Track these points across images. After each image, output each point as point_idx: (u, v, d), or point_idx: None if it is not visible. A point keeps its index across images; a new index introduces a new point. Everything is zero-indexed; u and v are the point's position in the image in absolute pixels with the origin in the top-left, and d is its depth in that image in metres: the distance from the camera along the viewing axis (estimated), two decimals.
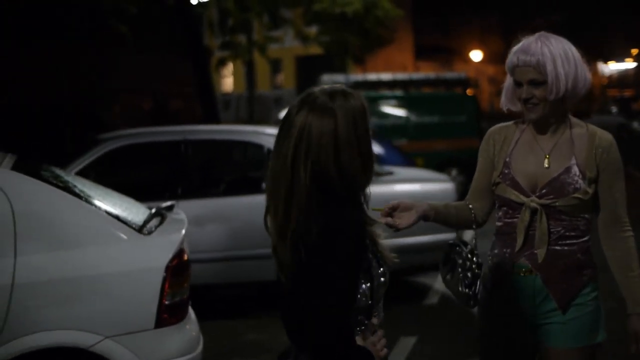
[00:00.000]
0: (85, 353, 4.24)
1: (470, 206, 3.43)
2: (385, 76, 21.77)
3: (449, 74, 19.61)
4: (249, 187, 7.83)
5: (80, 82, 19.24)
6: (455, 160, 16.12)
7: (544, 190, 3.27)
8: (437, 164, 14.16)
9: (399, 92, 18.20)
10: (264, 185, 7.40)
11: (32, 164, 4.82)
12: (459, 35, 52.33)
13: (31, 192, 4.38)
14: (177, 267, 4.44)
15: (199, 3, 22.43)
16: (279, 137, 2.49)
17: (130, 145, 7.77)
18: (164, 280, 4.36)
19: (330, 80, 16.21)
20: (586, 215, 3.31)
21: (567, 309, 3.28)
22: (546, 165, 3.30)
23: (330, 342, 2.35)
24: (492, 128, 3.49)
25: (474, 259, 3.29)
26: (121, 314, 4.31)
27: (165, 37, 22.88)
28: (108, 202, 4.75)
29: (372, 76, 22.41)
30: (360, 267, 2.43)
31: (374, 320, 2.52)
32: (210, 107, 19.08)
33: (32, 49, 17.28)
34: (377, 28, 25.58)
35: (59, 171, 4.98)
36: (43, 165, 4.94)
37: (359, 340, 2.46)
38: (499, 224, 3.40)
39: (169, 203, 5.33)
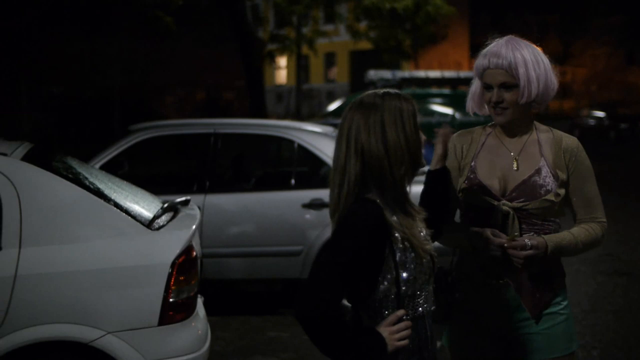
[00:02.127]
0: (86, 348, 4.19)
1: None
2: (433, 73, 21.47)
3: None
4: (278, 183, 7.75)
5: (134, 74, 19.41)
6: None
7: (514, 194, 3.21)
8: None
9: (445, 90, 17.98)
10: (293, 181, 7.39)
11: (44, 155, 4.78)
12: (516, 34, 51.71)
13: (39, 183, 4.34)
14: (184, 264, 4.37)
15: None
16: (338, 133, 2.72)
17: (160, 137, 7.72)
18: (170, 276, 4.28)
19: (377, 75, 16.05)
20: (557, 220, 3.26)
21: (539, 319, 3.21)
22: (515, 168, 3.24)
23: (306, 316, 2.52)
24: (457, 133, 3.40)
25: (448, 278, 3.14)
26: (124, 309, 4.24)
27: (218, 30, 22.96)
28: (119, 196, 4.69)
29: (419, 73, 22.13)
30: (363, 260, 2.55)
31: (399, 312, 2.61)
32: (258, 99, 19.09)
33: (86, 42, 17.46)
34: (428, 25, 25.34)
35: (73, 162, 4.93)
36: (56, 156, 4.90)
37: (380, 328, 2.59)
38: (468, 227, 3.27)
39: (184, 198, 5.24)
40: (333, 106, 19.31)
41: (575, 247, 3.23)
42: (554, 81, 3.22)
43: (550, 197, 3.17)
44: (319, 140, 7.50)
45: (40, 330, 4.14)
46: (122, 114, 16.61)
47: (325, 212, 7.01)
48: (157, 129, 7.90)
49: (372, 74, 16.73)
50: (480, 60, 3.23)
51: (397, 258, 2.61)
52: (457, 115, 15.80)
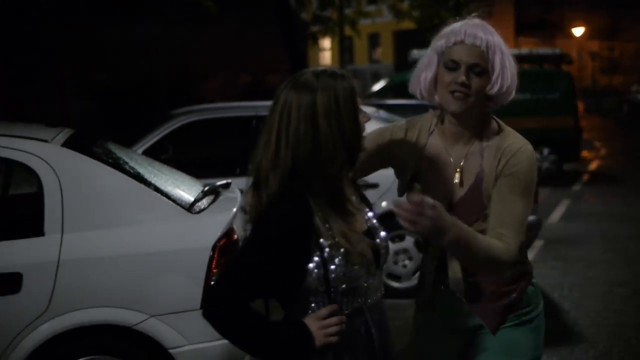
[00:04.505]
0: (129, 331, 4.22)
1: None
2: None
3: (542, 50, 18.92)
4: None
5: (177, 58, 19.47)
6: (546, 139, 15.66)
7: (455, 212, 2.68)
8: None
9: None
10: None
11: (85, 140, 4.81)
12: (562, 10, 50.98)
13: (80, 168, 4.37)
14: (225, 247, 4.37)
15: None
16: (269, 113, 2.52)
17: (201, 121, 7.75)
18: (211, 259, 4.28)
19: (419, 55, 15.84)
20: None
21: (496, 330, 2.88)
22: (457, 181, 2.80)
23: (211, 315, 2.41)
24: (413, 118, 2.95)
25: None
26: (166, 293, 4.26)
27: (262, 12, 22.94)
28: (160, 180, 4.70)
29: None
30: (279, 261, 2.39)
31: (331, 307, 2.44)
32: None
33: (129, 28, 17.55)
34: (471, 2, 25.05)
35: (113, 147, 4.95)
36: (97, 142, 4.92)
37: (307, 320, 2.44)
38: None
39: (224, 181, 5.24)
40: (377, 87, 19.21)
41: (477, 250, 2.61)
42: (516, 81, 2.77)
43: (477, 227, 2.72)
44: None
45: (83, 315, 4.18)
46: (167, 99, 16.70)
47: (370, 193, 6.94)
48: (198, 112, 7.93)
49: (415, 53, 16.55)
50: (455, 28, 2.75)
51: (326, 255, 2.41)
52: None
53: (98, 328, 4.21)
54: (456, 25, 2.78)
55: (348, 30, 26.55)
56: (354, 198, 2.57)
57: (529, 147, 2.77)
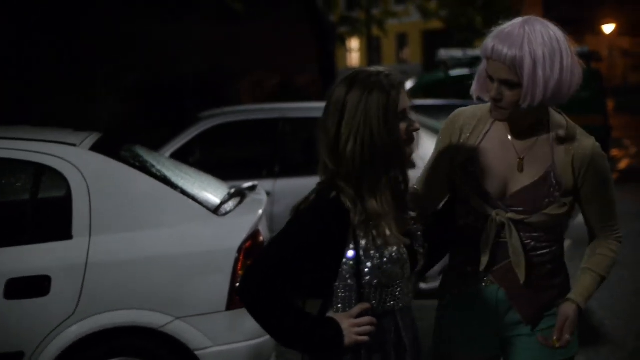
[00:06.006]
0: (156, 333, 4.27)
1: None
2: None
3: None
4: None
5: (207, 59, 19.56)
6: None
7: (513, 200, 2.83)
8: None
9: None
10: None
11: (113, 144, 4.86)
12: (592, 7, 50.60)
13: (107, 172, 4.43)
14: (251, 249, 4.41)
15: None
16: (324, 112, 2.55)
17: (228, 124, 7.81)
18: (237, 261, 4.33)
19: (447, 55, 15.81)
20: (560, 224, 2.92)
21: (535, 322, 2.91)
22: (519, 170, 2.84)
23: (248, 296, 2.46)
24: (461, 110, 2.98)
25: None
26: (193, 295, 4.31)
27: (291, 14, 23.00)
28: (187, 183, 4.75)
29: None
30: (314, 251, 2.45)
31: (363, 305, 2.48)
32: (331, 82, 19.06)
33: (158, 29, 17.65)
34: (500, 1, 24.99)
35: (141, 151, 5.00)
36: (124, 145, 4.98)
37: (338, 317, 2.47)
38: (460, 222, 2.93)
39: (251, 183, 5.29)
40: (406, 87, 19.20)
41: (602, 282, 2.96)
42: (571, 80, 2.72)
43: (553, 210, 2.82)
44: None
45: (111, 317, 4.23)
46: (197, 101, 16.80)
47: None
48: (225, 115, 7.99)
49: (443, 53, 16.48)
50: (486, 42, 2.73)
51: (361, 247, 2.47)
52: None
53: (125, 330, 4.27)
54: (497, 30, 2.75)
55: (376, 31, 26.56)
56: (400, 199, 2.61)
57: (597, 143, 2.88)
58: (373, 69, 2.56)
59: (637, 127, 30.73)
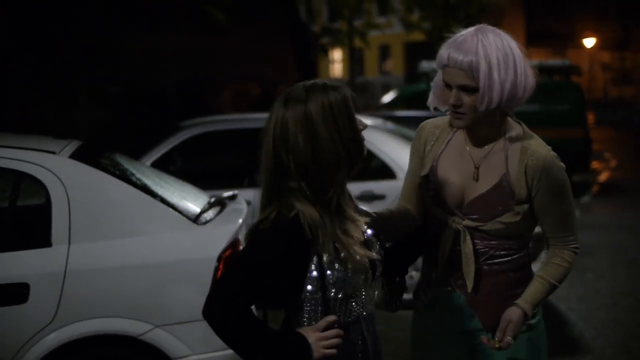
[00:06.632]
0: (135, 341, 4.26)
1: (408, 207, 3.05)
2: None
3: (551, 61, 18.95)
4: None
5: (189, 69, 19.56)
6: (556, 151, 15.56)
7: (469, 208, 2.90)
8: None
9: None
10: None
11: (92, 152, 4.85)
12: (573, 21, 50.98)
13: (87, 180, 4.41)
14: (231, 258, 4.40)
15: None
16: (264, 132, 2.60)
17: (209, 133, 7.80)
18: (216, 270, 4.31)
19: (429, 66, 15.91)
20: (521, 234, 2.94)
21: (495, 330, 2.88)
22: (474, 178, 2.90)
23: (211, 313, 2.46)
24: (427, 122, 3.06)
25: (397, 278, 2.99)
26: (172, 303, 4.30)
27: (273, 24, 23.05)
28: (167, 191, 4.74)
29: None
30: (276, 268, 2.45)
31: (330, 318, 2.48)
32: None
33: (141, 39, 17.64)
34: (481, 14, 25.13)
35: (120, 159, 5.00)
36: (104, 153, 4.97)
37: (305, 331, 2.47)
38: (429, 230, 3.00)
39: (231, 192, 5.29)
40: (387, 98, 19.26)
41: (552, 290, 2.94)
42: (525, 83, 2.80)
43: (507, 218, 2.86)
44: (369, 133, 7.47)
45: (90, 324, 4.21)
46: (178, 110, 16.79)
47: (376, 204, 7.01)
48: (206, 124, 7.99)
49: (425, 65, 16.58)
50: (441, 53, 2.82)
51: (325, 260, 2.47)
52: None
53: (104, 338, 4.24)
54: (450, 40, 2.85)
55: (358, 42, 26.64)
56: (352, 208, 2.61)
57: (551, 153, 2.90)
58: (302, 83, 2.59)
59: (617, 140, 30.93)
